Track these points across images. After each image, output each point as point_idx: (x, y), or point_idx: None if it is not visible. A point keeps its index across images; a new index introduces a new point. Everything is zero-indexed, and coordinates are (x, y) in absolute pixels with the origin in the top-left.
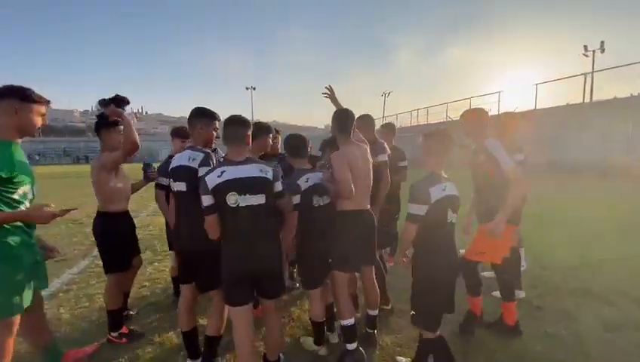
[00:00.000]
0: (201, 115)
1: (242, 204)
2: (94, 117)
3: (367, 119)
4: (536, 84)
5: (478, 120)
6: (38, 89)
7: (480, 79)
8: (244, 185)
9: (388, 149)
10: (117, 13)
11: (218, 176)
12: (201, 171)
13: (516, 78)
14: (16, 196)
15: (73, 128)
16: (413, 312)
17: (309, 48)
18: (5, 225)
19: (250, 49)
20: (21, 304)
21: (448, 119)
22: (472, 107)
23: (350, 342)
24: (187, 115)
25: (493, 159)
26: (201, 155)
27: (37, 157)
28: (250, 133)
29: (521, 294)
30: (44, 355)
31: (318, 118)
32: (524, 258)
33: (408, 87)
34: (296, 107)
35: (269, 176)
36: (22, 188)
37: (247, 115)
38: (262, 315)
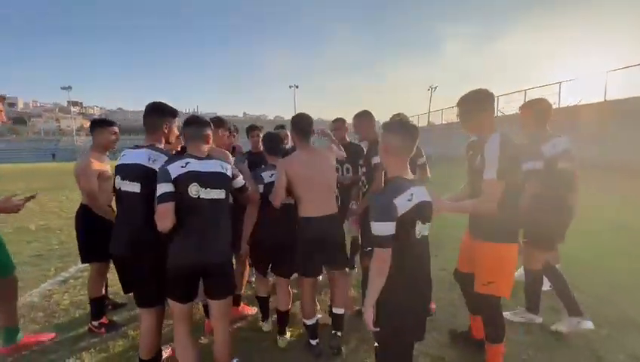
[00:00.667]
0: (165, 113)
1: (203, 196)
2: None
3: (364, 116)
4: (608, 72)
5: (536, 113)
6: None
7: (539, 70)
8: (207, 179)
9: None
10: (176, 20)
11: (182, 167)
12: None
13: (582, 67)
14: None
15: (136, 127)
16: (376, 344)
17: (353, 44)
18: None
19: (295, 47)
20: None
21: (500, 114)
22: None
23: (313, 339)
24: (239, 113)
25: (483, 162)
26: (163, 158)
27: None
28: (210, 132)
29: (536, 319)
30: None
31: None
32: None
33: (458, 81)
34: (340, 105)
35: (228, 172)
36: None
37: (290, 113)
38: (209, 330)
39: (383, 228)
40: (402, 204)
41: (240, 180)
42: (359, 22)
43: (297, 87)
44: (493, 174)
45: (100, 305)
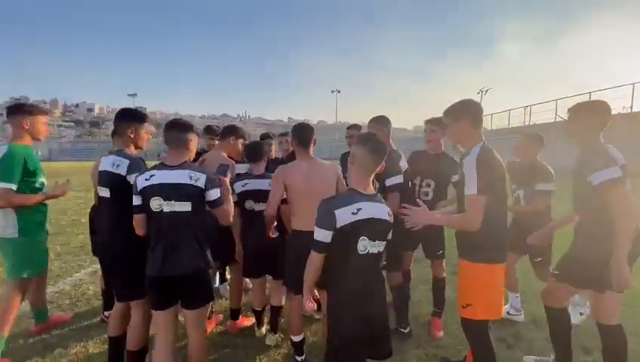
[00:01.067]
0: (131, 118)
1: (165, 210)
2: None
3: (373, 122)
4: None
5: (587, 118)
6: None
7: (605, 72)
8: (169, 191)
9: (403, 166)
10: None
11: (146, 180)
12: (130, 178)
13: None
14: (37, 185)
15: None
16: None
17: (398, 47)
18: (33, 208)
19: (336, 51)
20: (38, 269)
21: (558, 119)
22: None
23: (299, 355)
24: (283, 118)
25: (463, 176)
26: (126, 162)
27: (163, 153)
28: (191, 137)
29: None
30: (36, 313)
31: (405, 118)
32: (579, 313)
33: (511, 83)
34: (383, 108)
35: (200, 183)
36: (41, 178)
37: (332, 117)
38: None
39: (318, 234)
40: (344, 215)
41: (214, 193)
42: (408, 21)
43: (339, 91)
44: (474, 189)
45: (110, 297)
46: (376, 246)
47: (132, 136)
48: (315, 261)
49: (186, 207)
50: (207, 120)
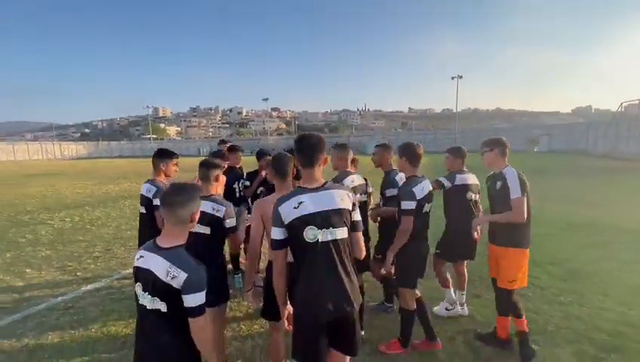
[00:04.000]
0: (163, 156)
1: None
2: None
3: (378, 148)
4: None
5: None
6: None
7: None
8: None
9: (399, 180)
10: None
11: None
12: (155, 201)
13: None
14: None
15: (315, 127)
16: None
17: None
18: None
19: (461, 30)
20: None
21: None
22: None
23: None
24: (403, 108)
25: (507, 187)
26: (154, 189)
27: None
28: (217, 173)
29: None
30: None
31: (559, 100)
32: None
33: None
34: (523, 90)
35: (219, 214)
36: None
37: (452, 104)
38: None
39: (273, 233)
40: (286, 211)
41: (231, 221)
42: None
43: (461, 77)
44: (518, 193)
45: None
46: (330, 234)
47: (163, 168)
48: (277, 262)
49: (205, 230)
50: (329, 116)
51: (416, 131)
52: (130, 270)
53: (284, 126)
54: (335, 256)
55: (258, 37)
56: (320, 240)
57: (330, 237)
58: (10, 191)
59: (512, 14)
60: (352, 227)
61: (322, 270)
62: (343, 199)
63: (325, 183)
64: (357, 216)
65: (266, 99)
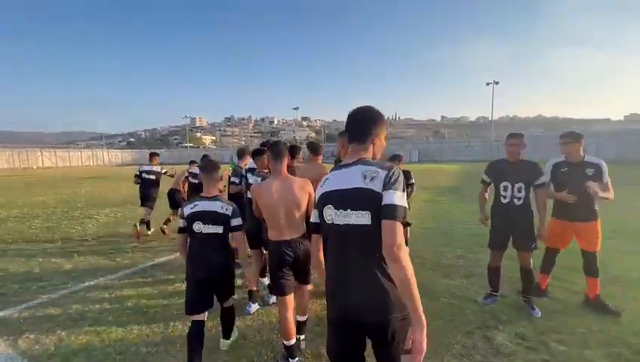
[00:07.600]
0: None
1: (203, 231)
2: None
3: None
4: None
5: None
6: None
7: None
8: (206, 216)
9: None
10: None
11: (191, 208)
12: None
13: None
14: None
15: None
16: None
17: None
18: None
19: (498, 33)
20: None
21: None
22: None
23: (292, 358)
24: (436, 117)
25: (600, 172)
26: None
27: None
28: (220, 174)
29: None
30: None
31: (610, 106)
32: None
33: None
34: (568, 96)
35: (227, 212)
36: None
37: (488, 112)
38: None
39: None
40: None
41: (237, 220)
42: None
43: (497, 83)
44: (607, 177)
45: None
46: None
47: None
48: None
49: (217, 229)
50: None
51: (449, 140)
52: (162, 258)
53: (313, 134)
54: (350, 244)
55: (291, 47)
56: (334, 223)
57: (344, 221)
58: (65, 191)
59: (553, 14)
60: (384, 213)
61: (335, 259)
62: (371, 178)
63: (362, 159)
64: (392, 198)
65: (296, 108)
